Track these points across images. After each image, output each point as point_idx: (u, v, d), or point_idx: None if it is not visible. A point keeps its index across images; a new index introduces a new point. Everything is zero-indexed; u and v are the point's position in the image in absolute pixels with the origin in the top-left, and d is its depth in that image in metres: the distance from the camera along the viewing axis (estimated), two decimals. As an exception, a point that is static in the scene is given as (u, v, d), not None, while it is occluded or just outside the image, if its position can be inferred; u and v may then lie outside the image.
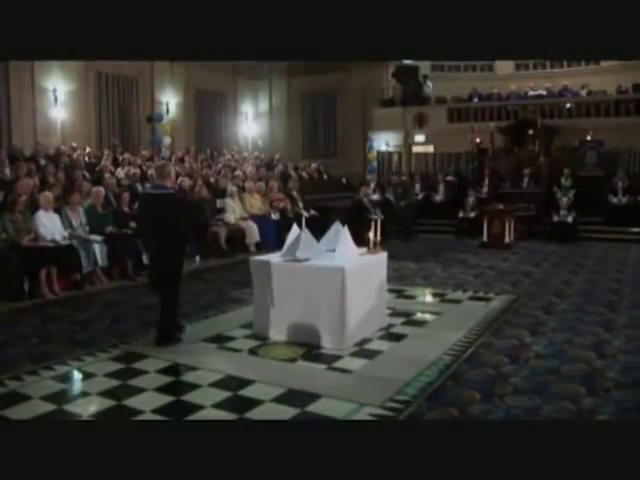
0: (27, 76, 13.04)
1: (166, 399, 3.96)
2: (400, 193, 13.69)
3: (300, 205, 11.93)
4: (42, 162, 10.44)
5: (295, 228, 5.59)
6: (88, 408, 3.86)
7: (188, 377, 4.39)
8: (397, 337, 5.35)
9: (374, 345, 5.08)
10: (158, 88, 16.29)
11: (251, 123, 19.84)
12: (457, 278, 8.10)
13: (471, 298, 6.89)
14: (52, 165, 10.06)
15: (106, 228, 8.05)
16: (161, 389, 4.14)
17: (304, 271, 5.14)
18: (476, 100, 17.19)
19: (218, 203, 10.49)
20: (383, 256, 5.69)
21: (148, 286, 5.64)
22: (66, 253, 7.20)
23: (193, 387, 4.17)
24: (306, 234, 5.41)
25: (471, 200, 12.79)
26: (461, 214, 12.71)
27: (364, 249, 5.68)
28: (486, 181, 13.70)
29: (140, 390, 4.12)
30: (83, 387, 4.36)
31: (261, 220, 10.70)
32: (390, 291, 6.49)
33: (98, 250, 7.61)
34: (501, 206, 11.57)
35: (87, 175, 10.14)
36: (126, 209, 8.68)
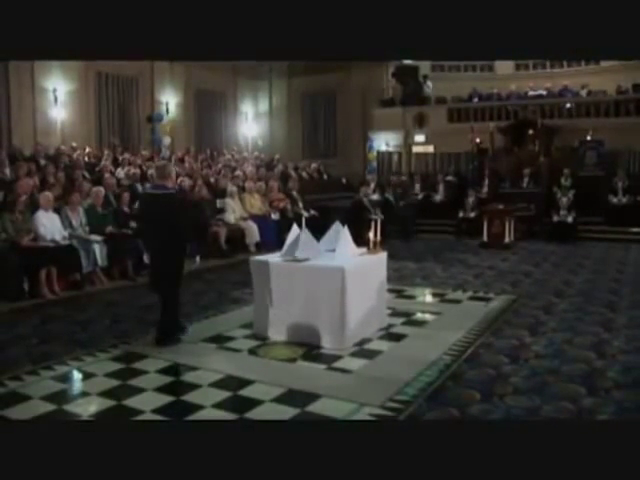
0: (27, 76, 13.04)
1: (166, 399, 3.96)
2: (400, 193, 13.68)
3: (300, 205, 11.92)
4: (42, 162, 10.43)
5: (295, 228, 5.59)
6: (88, 408, 3.87)
7: (188, 377, 4.39)
8: (397, 337, 5.35)
9: (374, 345, 5.08)
10: (158, 88, 16.28)
11: (251, 123, 19.83)
12: (457, 278, 8.10)
13: (471, 298, 6.89)
14: (52, 165, 10.05)
15: (106, 228, 8.05)
16: (161, 389, 4.14)
17: (304, 271, 5.14)
18: (476, 100, 17.17)
19: (218, 203, 10.48)
20: (383, 256, 5.69)
21: (148, 286, 5.64)
22: (66, 253, 7.20)
23: (193, 387, 4.17)
24: (306, 234, 5.41)
25: (471, 200, 12.78)
26: (461, 214, 12.70)
27: (364, 249, 5.68)
28: (486, 181, 13.68)
29: (140, 390, 4.12)
30: (83, 387, 4.36)
31: (261, 220, 10.69)
32: (390, 291, 6.49)
33: (98, 250, 7.61)
34: (501, 206, 11.56)
35: (87, 175, 10.14)
36: (126, 209, 8.69)
